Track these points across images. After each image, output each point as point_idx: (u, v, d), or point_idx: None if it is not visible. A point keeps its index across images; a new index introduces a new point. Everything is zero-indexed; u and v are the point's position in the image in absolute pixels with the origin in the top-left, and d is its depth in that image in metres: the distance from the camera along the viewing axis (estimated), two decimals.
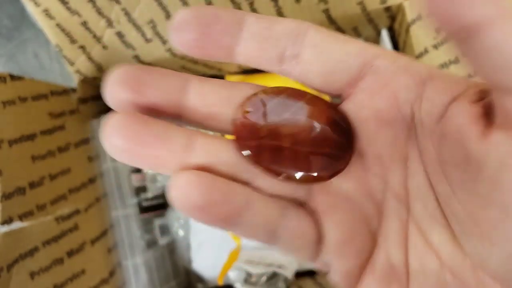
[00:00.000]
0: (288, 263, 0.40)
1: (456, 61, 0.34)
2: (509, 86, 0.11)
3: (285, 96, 0.16)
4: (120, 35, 0.36)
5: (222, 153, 0.15)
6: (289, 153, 0.15)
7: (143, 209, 0.43)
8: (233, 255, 0.39)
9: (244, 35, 0.15)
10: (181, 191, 0.14)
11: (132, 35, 0.36)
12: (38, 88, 0.35)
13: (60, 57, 0.38)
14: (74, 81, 0.39)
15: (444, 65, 0.35)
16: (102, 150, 0.41)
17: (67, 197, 0.35)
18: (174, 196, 0.14)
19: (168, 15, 0.35)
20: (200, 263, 0.43)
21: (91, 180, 0.39)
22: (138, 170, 0.44)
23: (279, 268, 0.38)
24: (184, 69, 0.42)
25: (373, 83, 0.15)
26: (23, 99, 0.33)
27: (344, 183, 0.16)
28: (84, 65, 0.38)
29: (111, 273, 0.39)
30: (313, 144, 0.15)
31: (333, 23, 0.38)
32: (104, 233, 0.39)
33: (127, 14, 0.35)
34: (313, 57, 0.15)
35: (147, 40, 0.37)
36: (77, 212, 0.36)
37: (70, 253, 0.34)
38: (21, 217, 0.30)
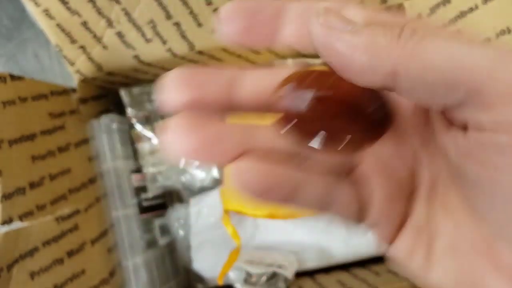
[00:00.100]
0: (288, 263, 0.40)
1: None
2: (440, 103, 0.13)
3: (316, 76, 0.16)
4: (120, 35, 0.36)
5: (275, 139, 0.16)
6: (330, 126, 0.16)
7: (143, 209, 0.43)
8: (233, 255, 0.39)
9: (288, 18, 0.16)
10: (242, 177, 0.15)
11: (132, 35, 0.36)
12: (38, 88, 0.35)
13: (60, 57, 0.38)
14: (74, 81, 0.39)
15: None
16: (102, 150, 0.41)
17: (67, 197, 0.35)
18: (236, 182, 0.15)
19: (168, 15, 0.35)
20: (200, 263, 0.43)
21: (91, 180, 0.39)
22: (138, 170, 0.44)
23: (279, 268, 0.38)
24: None
25: None
26: (23, 99, 0.33)
27: (383, 149, 0.17)
28: (84, 65, 0.38)
29: (111, 273, 0.39)
30: (351, 114, 0.16)
31: None
32: (104, 233, 0.39)
33: (127, 14, 0.35)
34: None
35: (147, 40, 0.37)
36: (77, 212, 0.36)
37: (70, 253, 0.34)
38: (21, 217, 0.30)
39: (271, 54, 0.42)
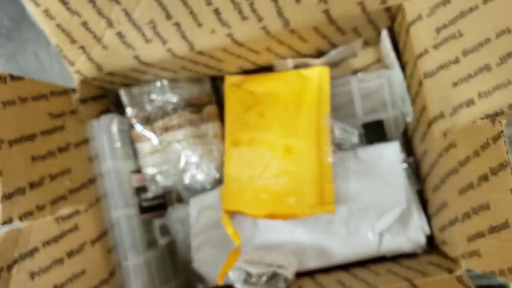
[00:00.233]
0: (288, 263, 0.40)
1: (456, 61, 0.34)
2: None
3: None
4: (120, 35, 0.36)
5: None
6: None
7: (143, 209, 0.43)
8: (233, 255, 0.39)
9: None
10: None
11: (132, 35, 0.36)
12: (38, 88, 0.35)
13: (60, 57, 0.38)
14: (74, 81, 0.39)
15: (444, 65, 0.35)
16: (102, 150, 0.41)
17: (67, 197, 0.35)
18: None
19: (168, 15, 0.35)
20: (200, 263, 0.43)
21: (91, 180, 0.39)
22: (138, 171, 0.44)
23: (279, 268, 0.38)
24: (184, 69, 0.42)
25: None
26: (23, 99, 0.33)
27: None
28: (84, 65, 0.38)
29: (111, 273, 0.39)
30: None
31: (333, 23, 0.38)
32: (104, 233, 0.39)
33: (127, 14, 0.35)
34: None
35: (147, 40, 0.37)
36: (77, 212, 0.36)
37: (70, 253, 0.34)
38: (21, 217, 0.30)
39: (271, 54, 0.42)
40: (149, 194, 0.44)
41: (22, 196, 0.30)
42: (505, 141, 0.28)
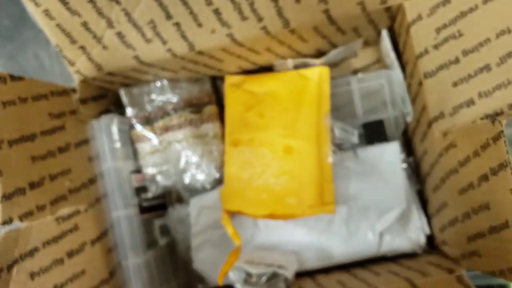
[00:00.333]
0: (288, 263, 0.40)
1: (456, 61, 0.34)
2: None
3: None
4: (120, 35, 0.36)
5: None
6: None
7: (143, 209, 0.43)
8: (233, 255, 0.39)
9: None
10: None
11: (132, 35, 0.36)
12: (38, 88, 0.35)
13: (60, 58, 0.38)
14: (74, 81, 0.39)
15: (444, 65, 0.35)
16: (102, 150, 0.41)
17: (67, 197, 0.35)
18: None
19: (168, 15, 0.35)
20: (200, 263, 0.43)
21: (91, 180, 0.39)
22: (138, 171, 0.44)
23: (279, 268, 0.38)
24: (184, 69, 0.42)
25: None
26: (23, 99, 0.33)
27: None
28: (84, 65, 0.38)
29: (111, 273, 0.39)
30: None
31: (333, 23, 0.38)
32: (104, 233, 0.39)
33: (127, 14, 0.35)
34: None
35: (147, 40, 0.37)
36: (77, 212, 0.36)
37: (70, 253, 0.34)
38: (21, 217, 0.30)
39: (271, 54, 0.42)
40: (149, 194, 0.44)
41: (22, 196, 0.30)
42: (505, 141, 0.28)
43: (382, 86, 0.44)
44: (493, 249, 0.31)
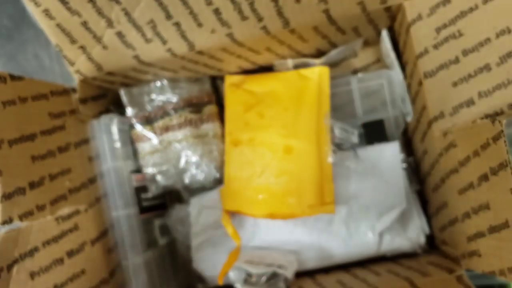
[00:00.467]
0: (288, 263, 0.40)
1: (456, 61, 0.34)
2: None
3: None
4: (120, 35, 0.36)
5: None
6: None
7: (143, 209, 0.43)
8: (233, 255, 0.39)
9: None
10: None
11: (132, 35, 0.36)
12: (38, 88, 0.35)
13: (60, 57, 0.38)
14: (74, 81, 0.39)
15: (444, 65, 0.35)
16: (102, 150, 0.41)
17: (67, 197, 0.35)
18: None
19: (168, 15, 0.35)
20: (200, 263, 0.43)
21: (91, 180, 0.39)
22: (138, 170, 0.44)
23: (279, 268, 0.38)
24: (184, 69, 0.42)
25: None
26: (23, 99, 0.33)
27: None
28: (84, 65, 0.38)
29: (111, 273, 0.39)
30: None
31: (333, 23, 0.38)
32: (104, 233, 0.39)
33: (127, 14, 0.35)
34: None
35: (147, 40, 0.37)
36: (77, 212, 0.36)
37: (70, 253, 0.34)
38: (21, 217, 0.30)
39: (271, 54, 0.42)
40: (149, 194, 0.44)
41: (22, 196, 0.30)
42: (505, 141, 0.28)
43: (382, 86, 0.44)
44: (493, 249, 0.31)
